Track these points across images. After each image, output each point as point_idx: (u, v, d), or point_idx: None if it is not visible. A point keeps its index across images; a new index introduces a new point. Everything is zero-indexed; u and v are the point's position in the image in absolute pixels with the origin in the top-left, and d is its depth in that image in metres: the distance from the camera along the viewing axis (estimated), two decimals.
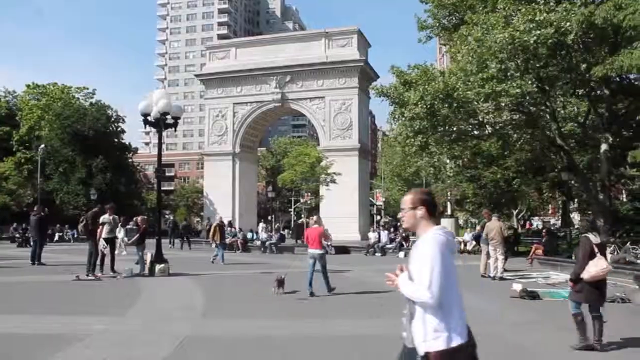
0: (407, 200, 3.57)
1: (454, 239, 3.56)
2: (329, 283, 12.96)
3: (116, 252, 16.56)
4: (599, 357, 7.31)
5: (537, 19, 19.00)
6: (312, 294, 12.47)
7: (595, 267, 7.45)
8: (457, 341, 3.23)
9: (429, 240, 3.31)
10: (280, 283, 12.73)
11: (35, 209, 21.17)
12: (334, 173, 36.48)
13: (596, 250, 7.61)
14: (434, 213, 3.51)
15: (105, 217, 16.23)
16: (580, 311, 7.64)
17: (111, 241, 16.40)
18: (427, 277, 3.20)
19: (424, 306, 3.24)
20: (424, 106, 21.15)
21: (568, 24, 18.75)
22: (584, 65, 21.21)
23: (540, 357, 7.27)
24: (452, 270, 3.33)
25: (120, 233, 20.86)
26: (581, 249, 7.83)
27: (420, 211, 3.47)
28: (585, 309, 7.60)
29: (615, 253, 19.22)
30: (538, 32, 18.91)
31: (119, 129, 59.25)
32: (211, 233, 22.27)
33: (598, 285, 7.60)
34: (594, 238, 7.81)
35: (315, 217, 14.29)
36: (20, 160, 53.95)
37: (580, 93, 24.64)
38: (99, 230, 16.05)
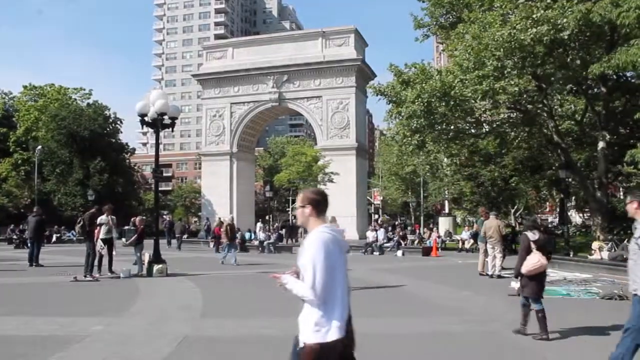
0: (298, 198, 3.72)
1: (342, 237, 3.73)
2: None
3: (114, 252, 16.51)
4: (596, 350, 7.32)
5: (534, 16, 19.02)
6: None
7: (532, 262, 8.08)
8: (333, 336, 3.37)
9: (313, 239, 3.45)
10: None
11: (34, 210, 21.12)
12: (332, 172, 36.50)
13: (533, 246, 8.20)
14: (321, 211, 3.64)
15: (102, 218, 16.20)
16: (526, 302, 8.21)
17: (109, 242, 16.38)
18: (310, 276, 3.36)
19: (308, 302, 3.42)
20: (421, 104, 21.16)
21: (565, 20, 18.77)
22: (578, 62, 21.25)
23: (538, 355, 7.26)
24: (339, 268, 3.47)
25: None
26: (520, 246, 8.59)
27: (307, 209, 3.60)
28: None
29: (613, 250, 19.26)
30: (534, 29, 18.93)
31: (116, 129, 59.10)
32: (223, 233, 22.00)
33: (539, 279, 8.18)
34: (532, 235, 8.36)
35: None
36: (17, 161, 53.85)
37: (577, 90, 24.70)
38: (96, 231, 16.04)
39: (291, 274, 3.55)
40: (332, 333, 3.37)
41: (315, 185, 39.16)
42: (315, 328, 3.39)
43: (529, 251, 8.23)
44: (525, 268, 8.10)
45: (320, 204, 3.65)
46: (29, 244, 21.58)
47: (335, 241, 3.47)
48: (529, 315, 8.20)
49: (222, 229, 23.43)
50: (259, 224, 36.69)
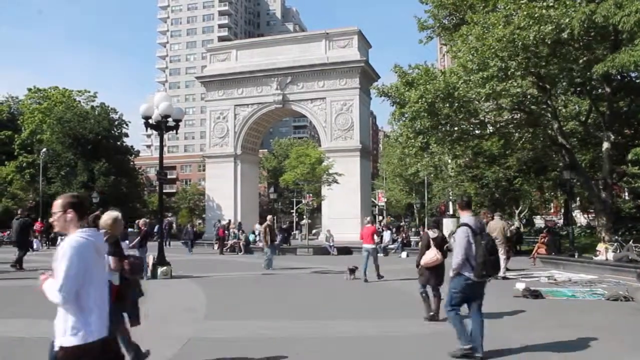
0: (57, 204, 3.69)
1: (101, 241, 3.78)
2: (379, 272, 16.01)
3: None
4: (601, 352, 7.30)
5: (536, 15, 19.02)
6: (366, 280, 15.34)
7: (429, 256, 9.46)
8: (92, 338, 3.43)
9: (68, 244, 3.46)
10: (352, 271, 16.00)
11: (19, 212, 20.94)
12: (336, 173, 36.48)
13: (432, 243, 9.59)
14: (82, 216, 3.66)
15: None
16: (424, 290, 9.74)
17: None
18: (60, 279, 3.39)
19: (60, 306, 3.48)
20: (424, 104, 21.17)
21: (567, 19, 18.75)
22: (582, 62, 21.21)
23: (542, 356, 7.24)
24: (96, 272, 3.52)
25: None
26: (421, 242, 10.02)
27: (70, 215, 3.61)
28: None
29: (618, 251, 19.20)
30: (537, 27, 18.94)
31: (121, 132, 59.24)
32: (262, 234, 20.76)
33: (435, 270, 9.58)
34: (432, 234, 9.77)
35: (369, 218, 18.01)
36: (22, 164, 53.99)
37: (581, 91, 24.66)
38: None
39: (50, 276, 3.54)
40: (90, 335, 3.43)
41: (320, 187, 39.17)
42: (71, 332, 3.44)
43: (428, 247, 9.61)
44: (423, 260, 9.52)
45: (81, 208, 3.68)
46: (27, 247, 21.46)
47: (91, 246, 3.50)
48: (430, 301, 9.63)
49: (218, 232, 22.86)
50: (257, 225, 36.56)
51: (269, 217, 22.69)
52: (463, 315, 7.25)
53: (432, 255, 9.46)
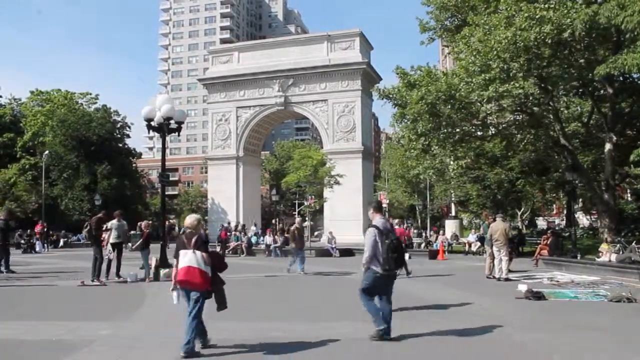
0: None
1: None
2: (407, 268, 15.41)
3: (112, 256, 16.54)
4: (604, 353, 7.29)
5: (537, 16, 19.03)
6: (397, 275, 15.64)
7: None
8: None
9: None
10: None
11: (1, 216, 19.73)
12: (337, 175, 36.52)
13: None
14: None
15: (113, 223, 16.32)
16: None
17: (118, 246, 16.47)
18: None
19: None
20: (425, 105, 21.18)
21: (569, 20, 18.76)
22: (585, 64, 21.20)
23: (545, 358, 7.23)
24: None
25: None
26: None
27: None
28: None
29: (621, 252, 19.15)
30: (538, 28, 18.95)
31: (124, 134, 59.30)
32: (290, 237, 19.55)
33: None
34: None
35: (397, 220, 20.65)
36: (24, 166, 54.10)
37: (583, 92, 24.64)
38: (106, 236, 16.17)
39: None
40: None
41: (321, 188, 39.15)
42: None
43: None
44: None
45: None
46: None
47: None
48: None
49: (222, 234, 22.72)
50: (253, 227, 36.56)
51: (298, 219, 21.91)
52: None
53: None
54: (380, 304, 8.13)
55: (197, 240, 7.20)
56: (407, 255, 26.52)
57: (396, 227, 17.37)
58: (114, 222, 16.41)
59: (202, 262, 7.12)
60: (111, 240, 16.11)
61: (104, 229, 16.23)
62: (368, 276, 8.12)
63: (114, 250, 16.32)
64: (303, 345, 7.82)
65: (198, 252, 7.12)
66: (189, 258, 7.14)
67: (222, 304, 7.69)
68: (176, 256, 7.38)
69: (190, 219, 7.49)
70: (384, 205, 67.54)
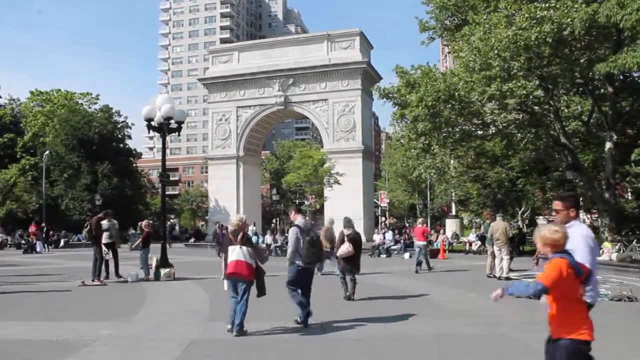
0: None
1: None
2: (429, 264, 19.22)
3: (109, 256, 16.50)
4: (606, 352, 7.28)
5: (537, 15, 19.01)
6: (417, 272, 18.11)
7: (342, 249, 12.14)
8: None
9: None
10: (419, 263, 18.65)
11: None
12: (337, 173, 36.54)
13: (346, 239, 12.24)
14: None
15: (104, 223, 16.25)
16: (343, 276, 12.37)
17: (112, 246, 16.39)
18: None
19: None
20: (425, 107, 21.17)
21: (569, 19, 18.74)
22: (586, 63, 21.17)
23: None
24: None
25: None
26: (338, 237, 12.92)
27: None
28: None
29: (621, 251, 19.16)
30: (539, 28, 18.93)
31: (124, 134, 59.24)
32: (322, 237, 18.25)
33: (350, 260, 12.20)
34: (346, 231, 12.43)
35: (421, 219, 22.39)
36: (24, 166, 54.10)
37: (583, 91, 24.62)
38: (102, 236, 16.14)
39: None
40: None
41: (321, 188, 39.15)
42: None
43: (343, 241, 12.23)
44: (339, 252, 12.24)
45: None
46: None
47: None
48: (347, 285, 12.24)
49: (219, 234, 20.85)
50: (251, 227, 36.42)
51: (330, 218, 21.12)
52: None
53: (345, 248, 12.16)
54: (301, 297, 9.13)
55: (243, 237, 8.38)
56: (407, 255, 26.74)
57: (419, 225, 20.27)
58: (105, 222, 16.37)
59: (248, 256, 8.23)
60: (104, 241, 16.05)
61: (103, 229, 16.20)
62: (292, 269, 9.12)
63: (108, 250, 16.28)
64: (306, 344, 7.80)
65: (244, 247, 8.26)
66: (237, 253, 8.25)
67: (262, 291, 8.57)
68: (225, 251, 8.80)
69: (235, 219, 8.82)
70: (383, 205, 67.95)
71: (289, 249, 9.11)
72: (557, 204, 5.25)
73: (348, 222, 12.68)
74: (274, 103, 46.50)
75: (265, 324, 9.12)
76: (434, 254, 26.75)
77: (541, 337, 8.15)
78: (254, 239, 33.13)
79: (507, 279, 15.78)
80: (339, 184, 36.77)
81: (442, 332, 8.69)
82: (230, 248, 8.35)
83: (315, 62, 44.90)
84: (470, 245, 29.55)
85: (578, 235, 4.86)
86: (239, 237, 8.37)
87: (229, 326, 8.33)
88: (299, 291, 9.16)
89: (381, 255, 27.75)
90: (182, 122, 18.01)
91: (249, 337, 8.26)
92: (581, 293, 4.37)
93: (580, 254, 4.72)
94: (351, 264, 12.23)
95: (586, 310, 4.31)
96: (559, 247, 4.23)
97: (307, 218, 9.68)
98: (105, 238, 16.09)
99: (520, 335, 8.33)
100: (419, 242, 19.09)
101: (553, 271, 4.05)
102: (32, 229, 36.03)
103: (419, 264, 18.65)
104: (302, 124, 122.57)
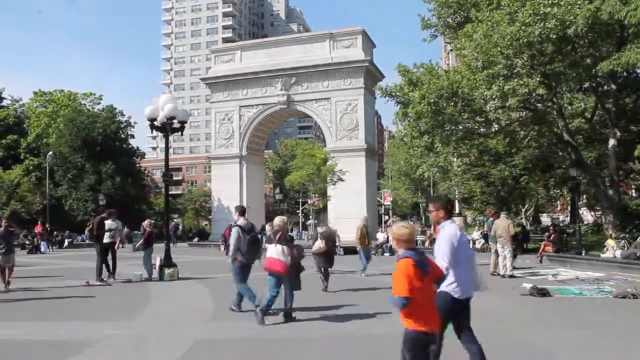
0: None
1: None
2: None
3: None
4: (609, 350, 7.27)
5: (541, 11, 18.97)
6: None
7: (316, 245, 13.38)
8: None
9: None
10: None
11: None
12: (340, 171, 36.48)
13: (319, 236, 13.54)
14: None
15: (107, 223, 16.23)
16: (319, 270, 13.57)
17: (111, 247, 16.29)
18: None
19: None
20: (427, 104, 21.14)
21: (572, 17, 18.70)
22: (589, 60, 21.12)
23: (550, 355, 7.22)
24: None
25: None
26: (313, 235, 14.42)
27: None
28: None
29: (625, 248, 19.09)
30: (542, 24, 18.89)
31: (127, 134, 59.32)
32: (357, 237, 17.81)
33: (324, 256, 13.51)
34: (320, 229, 13.82)
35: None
36: (28, 167, 54.20)
37: (586, 87, 24.54)
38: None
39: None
40: None
41: (325, 187, 39.10)
42: None
43: (316, 239, 13.55)
44: (313, 249, 13.53)
45: None
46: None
47: None
48: (328, 276, 13.55)
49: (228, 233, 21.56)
50: (268, 227, 36.33)
51: (365, 216, 21.01)
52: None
53: (318, 245, 13.41)
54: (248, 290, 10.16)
55: (280, 237, 9.32)
56: None
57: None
58: (109, 222, 16.35)
59: (281, 253, 9.15)
60: (105, 240, 15.99)
61: (105, 229, 16.17)
62: (234, 265, 10.13)
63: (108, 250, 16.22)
64: (309, 343, 7.79)
65: (279, 246, 9.19)
66: (273, 250, 9.25)
67: (296, 286, 9.77)
68: (265, 248, 9.81)
69: (277, 220, 10.05)
70: (387, 204, 67.93)
71: (231, 247, 10.06)
72: (430, 206, 5.83)
73: (322, 221, 14.65)
74: (276, 102, 46.47)
75: (266, 323, 9.13)
76: None
77: (544, 336, 8.17)
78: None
79: (511, 276, 15.77)
80: (342, 180, 36.70)
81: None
82: (269, 246, 9.40)
83: (317, 61, 44.85)
84: (474, 243, 29.51)
85: (442, 236, 5.48)
86: (277, 236, 9.35)
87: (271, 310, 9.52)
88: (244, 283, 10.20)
89: (385, 254, 27.74)
90: (185, 122, 18.00)
91: (249, 337, 8.27)
92: (433, 290, 4.74)
93: (440, 253, 5.38)
94: (324, 259, 13.55)
95: (430, 304, 4.59)
96: (407, 242, 4.63)
97: (247, 220, 10.69)
98: (106, 238, 16.06)
99: (522, 333, 8.31)
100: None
101: (402, 279, 4.38)
102: (38, 229, 36.15)
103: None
104: (305, 123, 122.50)
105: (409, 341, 4.54)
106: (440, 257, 5.33)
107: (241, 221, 10.38)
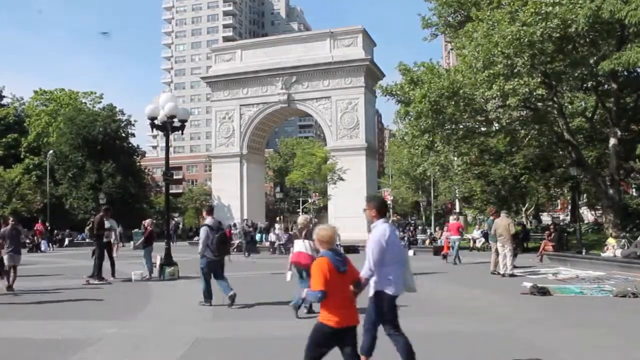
0: None
1: None
2: (459, 257, 20.70)
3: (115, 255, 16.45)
4: (611, 349, 7.28)
5: (542, 11, 18.95)
6: (455, 263, 20.45)
7: (296, 246, 12.34)
8: None
9: None
10: (444, 257, 21.79)
11: None
12: (340, 169, 36.47)
13: (301, 235, 12.94)
14: None
15: (109, 221, 16.18)
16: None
17: (107, 245, 16.24)
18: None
19: None
20: (428, 103, 21.14)
21: (573, 16, 18.69)
22: (590, 60, 21.11)
23: (551, 354, 7.22)
24: None
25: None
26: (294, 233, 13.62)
27: None
28: None
29: (626, 247, 19.08)
30: (544, 24, 18.88)
31: (128, 133, 59.25)
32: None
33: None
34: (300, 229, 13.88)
35: (455, 215, 24.91)
36: (28, 166, 54.17)
37: (587, 86, 24.54)
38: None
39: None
40: None
41: (325, 186, 39.09)
42: None
43: (297, 238, 13.28)
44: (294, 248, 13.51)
45: None
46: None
47: None
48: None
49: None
50: (277, 225, 36.10)
51: (395, 215, 22.88)
52: None
53: (298, 245, 14.01)
54: (218, 281, 10.90)
55: (306, 233, 9.79)
56: (411, 252, 26.68)
57: (453, 221, 22.31)
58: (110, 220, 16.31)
59: (309, 248, 9.64)
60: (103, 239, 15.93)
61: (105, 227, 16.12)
62: (203, 261, 10.83)
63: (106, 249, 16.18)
64: None
65: (306, 241, 9.71)
66: (299, 245, 9.92)
67: None
68: (291, 245, 10.51)
69: (301, 219, 10.77)
70: (388, 202, 67.87)
71: (200, 245, 10.85)
72: (366, 205, 5.99)
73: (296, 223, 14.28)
74: (277, 101, 46.48)
75: (267, 322, 9.14)
76: (438, 250, 26.73)
77: (545, 335, 8.17)
78: (257, 237, 33.40)
79: (511, 275, 15.76)
80: (342, 179, 36.70)
81: (446, 329, 8.68)
82: (296, 242, 10.14)
83: (318, 60, 44.86)
84: (474, 242, 29.50)
85: (371, 236, 5.67)
86: (304, 233, 9.94)
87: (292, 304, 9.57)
88: (210, 281, 10.93)
89: None
90: (186, 121, 17.99)
91: (250, 336, 8.27)
92: (351, 289, 4.96)
93: (367, 252, 5.61)
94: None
95: (346, 303, 4.84)
96: (327, 243, 4.99)
97: (215, 219, 11.34)
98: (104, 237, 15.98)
99: (522, 332, 8.31)
100: (453, 237, 21.12)
101: (318, 275, 4.71)
102: (39, 227, 36.18)
103: (457, 256, 20.74)
104: (305, 122, 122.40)
105: (313, 330, 4.92)
106: (367, 257, 5.58)
107: (209, 220, 11.13)
